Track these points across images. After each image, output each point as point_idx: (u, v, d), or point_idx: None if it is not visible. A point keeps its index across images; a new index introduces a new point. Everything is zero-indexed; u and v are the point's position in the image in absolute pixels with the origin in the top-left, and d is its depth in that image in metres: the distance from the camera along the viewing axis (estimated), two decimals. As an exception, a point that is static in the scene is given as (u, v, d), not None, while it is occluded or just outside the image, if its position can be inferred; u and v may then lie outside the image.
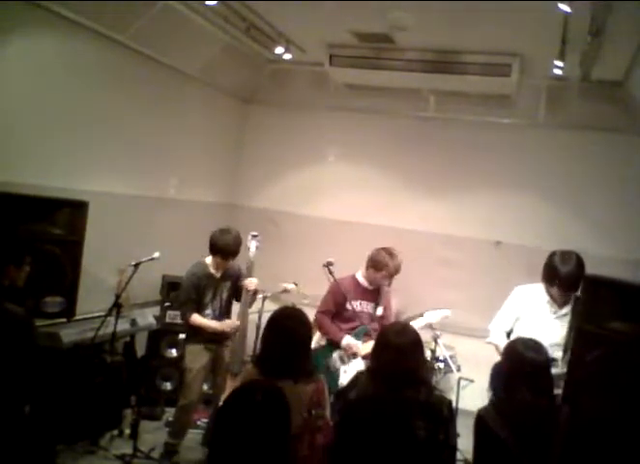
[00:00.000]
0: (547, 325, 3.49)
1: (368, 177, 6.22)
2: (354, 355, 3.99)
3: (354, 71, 5.43)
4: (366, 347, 3.93)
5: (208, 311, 4.09)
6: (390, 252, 4.08)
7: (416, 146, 6.05)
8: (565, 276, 3.35)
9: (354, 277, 4.23)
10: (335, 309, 4.14)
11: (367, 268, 4.16)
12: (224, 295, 4.17)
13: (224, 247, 3.95)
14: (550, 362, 2.71)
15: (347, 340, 4.01)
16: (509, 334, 3.67)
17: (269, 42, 5.10)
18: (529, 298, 3.61)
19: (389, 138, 6.14)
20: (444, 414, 2.47)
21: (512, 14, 4.05)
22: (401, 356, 2.50)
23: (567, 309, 3.50)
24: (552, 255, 3.47)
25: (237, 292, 4.19)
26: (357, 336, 4.07)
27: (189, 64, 5.42)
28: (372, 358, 2.70)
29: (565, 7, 3.50)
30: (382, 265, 4.05)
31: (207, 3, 4.29)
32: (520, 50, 4.86)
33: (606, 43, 4.08)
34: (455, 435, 2.55)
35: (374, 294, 4.19)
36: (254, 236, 4.19)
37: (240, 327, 4.06)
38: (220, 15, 4.61)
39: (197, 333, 4.04)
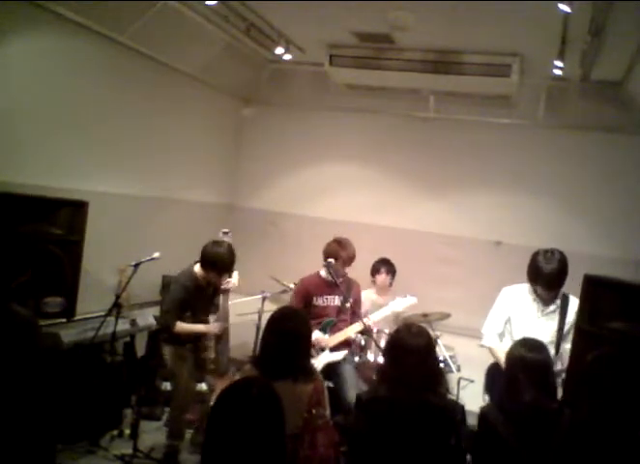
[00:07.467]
0: (536, 324, 3.52)
1: (368, 177, 6.21)
2: (322, 348, 4.16)
3: (354, 71, 5.43)
4: (333, 339, 4.20)
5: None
6: (339, 242, 4.22)
7: (415, 146, 6.05)
8: (548, 275, 3.37)
9: (317, 274, 4.35)
10: (305, 306, 4.23)
11: (324, 260, 4.23)
12: (208, 298, 4.17)
13: (220, 263, 3.88)
14: (551, 361, 2.71)
15: (315, 335, 4.11)
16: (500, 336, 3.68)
17: (269, 42, 5.09)
18: (516, 298, 3.62)
19: (389, 138, 6.13)
20: (457, 419, 2.47)
21: (512, 14, 4.05)
22: (422, 359, 2.51)
23: (553, 307, 3.53)
24: (535, 254, 3.48)
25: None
26: (323, 330, 4.24)
27: (188, 64, 5.42)
28: (389, 361, 2.66)
29: (565, 7, 3.50)
30: (334, 256, 4.18)
31: (207, 3, 4.29)
32: (520, 50, 4.85)
33: (606, 43, 4.08)
34: (465, 438, 2.56)
35: (340, 287, 4.19)
36: (225, 233, 4.21)
37: (225, 326, 4.10)
38: (220, 15, 4.60)
39: (178, 336, 4.02)
